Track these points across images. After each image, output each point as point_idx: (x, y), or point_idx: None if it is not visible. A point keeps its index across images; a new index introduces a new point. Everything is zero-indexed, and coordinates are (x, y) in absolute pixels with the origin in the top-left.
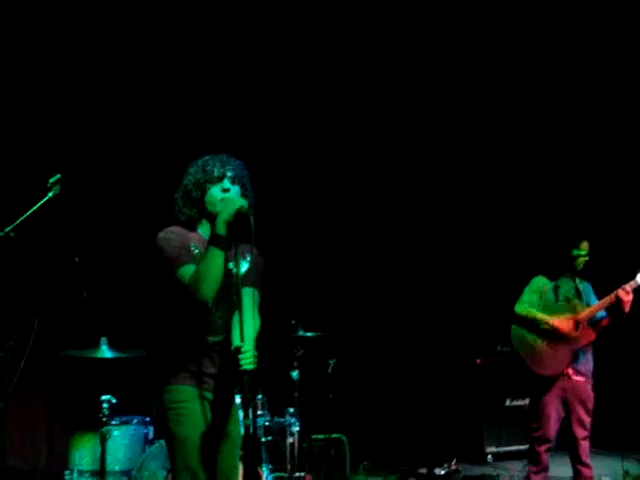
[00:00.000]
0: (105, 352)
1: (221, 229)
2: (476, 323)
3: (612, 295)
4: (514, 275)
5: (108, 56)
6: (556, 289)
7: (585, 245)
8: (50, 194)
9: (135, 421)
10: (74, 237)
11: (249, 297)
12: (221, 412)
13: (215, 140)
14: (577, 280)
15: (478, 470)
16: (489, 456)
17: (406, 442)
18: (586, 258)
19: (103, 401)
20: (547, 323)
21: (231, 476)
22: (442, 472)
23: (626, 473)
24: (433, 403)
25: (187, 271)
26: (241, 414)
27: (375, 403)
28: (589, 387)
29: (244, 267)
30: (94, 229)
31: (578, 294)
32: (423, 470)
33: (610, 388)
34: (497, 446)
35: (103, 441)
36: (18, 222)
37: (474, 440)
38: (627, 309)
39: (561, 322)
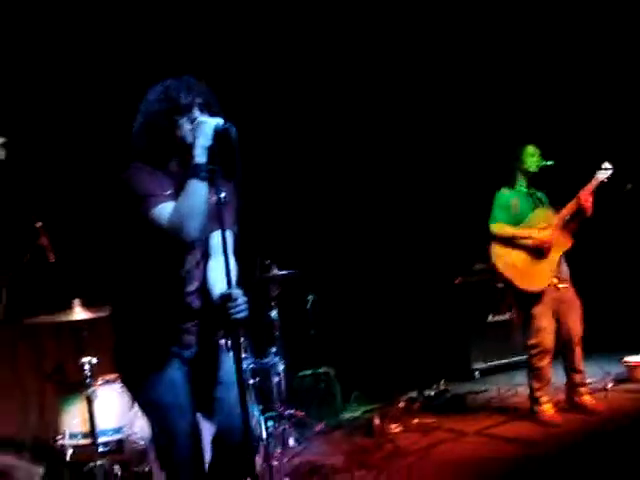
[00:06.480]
0: (79, 314)
1: (201, 156)
2: (451, 243)
3: (574, 200)
4: (483, 193)
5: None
6: (526, 198)
7: (532, 148)
8: None
9: (119, 379)
10: (33, 201)
11: (227, 238)
12: (204, 365)
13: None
14: (533, 190)
15: (467, 387)
16: (476, 372)
17: (394, 368)
18: (538, 161)
19: (84, 363)
20: (529, 237)
21: (234, 416)
22: (432, 393)
23: (607, 373)
24: (417, 327)
25: (165, 210)
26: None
27: (359, 333)
28: (573, 291)
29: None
30: (53, 189)
31: (538, 203)
32: (413, 393)
33: (586, 293)
34: (483, 362)
35: (90, 402)
36: None
37: (461, 359)
38: (589, 213)
39: (541, 233)
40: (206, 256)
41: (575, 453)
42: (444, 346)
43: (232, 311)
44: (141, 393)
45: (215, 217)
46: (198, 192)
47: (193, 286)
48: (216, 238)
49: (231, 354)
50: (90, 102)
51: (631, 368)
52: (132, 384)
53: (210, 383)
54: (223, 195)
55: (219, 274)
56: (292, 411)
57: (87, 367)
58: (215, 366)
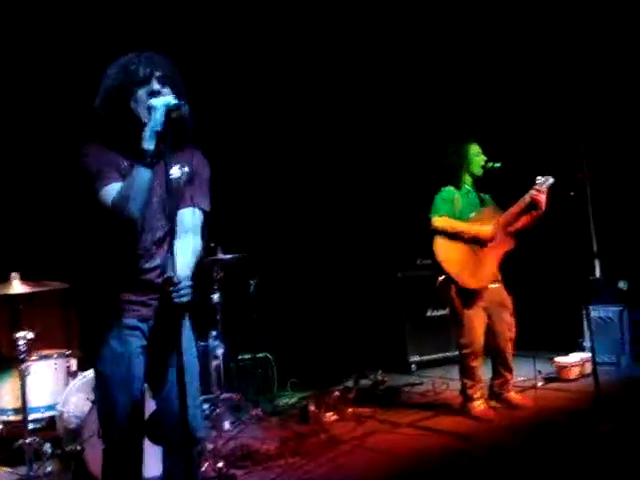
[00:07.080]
0: (17, 287)
1: (149, 142)
2: (396, 237)
3: (526, 197)
4: (429, 188)
5: None
6: (469, 197)
7: (476, 147)
8: None
9: (55, 355)
10: None
11: (188, 217)
12: (162, 341)
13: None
14: (479, 192)
15: (402, 379)
16: (413, 365)
17: (332, 357)
18: (481, 161)
19: (19, 338)
20: (468, 233)
21: (172, 403)
22: (368, 383)
23: (539, 372)
24: (357, 317)
25: (112, 190)
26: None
27: (299, 320)
28: (504, 290)
29: (182, 180)
30: None
31: (482, 203)
32: (349, 382)
33: (518, 292)
34: (420, 355)
35: (23, 378)
36: None
37: (398, 351)
38: (543, 208)
39: (481, 230)
40: (173, 234)
41: (506, 448)
42: (382, 337)
43: (174, 295)
44: (94, 363)
45: (180, 195)
46: (141, 177)
47: (154, 263)
48: (184, 216)
49: (187, 336)
50: (38, 74)
51: (560, 368)
52: (88, 354)
53: (163, 362)
54: (182, 172)
55: (179, 254)
56: (229, 394)
57: (22, 342)
58: (172, 346)
